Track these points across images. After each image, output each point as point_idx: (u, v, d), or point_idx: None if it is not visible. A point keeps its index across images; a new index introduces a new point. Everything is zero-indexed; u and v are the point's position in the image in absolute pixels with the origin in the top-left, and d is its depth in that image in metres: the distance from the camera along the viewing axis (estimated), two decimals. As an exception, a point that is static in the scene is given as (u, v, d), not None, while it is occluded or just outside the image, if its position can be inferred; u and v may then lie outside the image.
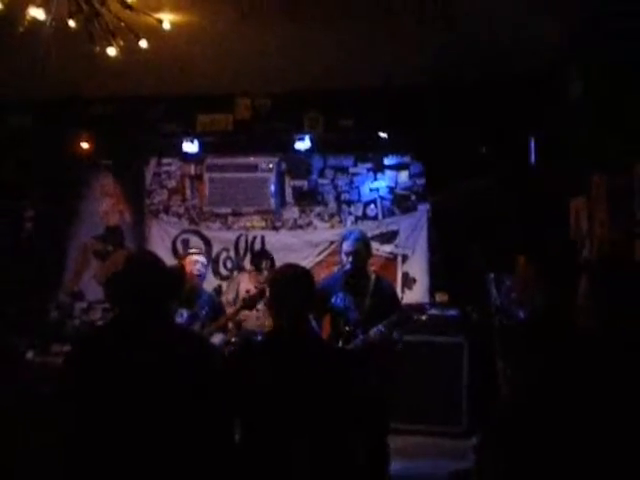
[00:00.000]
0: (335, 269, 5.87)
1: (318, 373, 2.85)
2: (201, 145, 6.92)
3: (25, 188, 7.11)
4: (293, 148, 6.89)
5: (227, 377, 2.88)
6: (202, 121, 6.14)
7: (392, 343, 4.66)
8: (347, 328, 4.69)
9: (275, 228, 7.61)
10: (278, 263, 6.87)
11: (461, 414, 6.38)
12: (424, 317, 4.77)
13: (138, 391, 2.69)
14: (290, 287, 2.96)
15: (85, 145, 6.16)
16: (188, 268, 5.20)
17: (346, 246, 4.77)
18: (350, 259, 4.72)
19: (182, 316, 4.99)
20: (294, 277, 3.02)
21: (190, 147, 6.80)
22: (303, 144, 6.84)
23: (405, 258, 7.30)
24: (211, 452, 2.73)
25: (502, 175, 6.07)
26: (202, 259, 5.43)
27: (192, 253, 5.51)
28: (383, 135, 6.27)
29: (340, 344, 4.64)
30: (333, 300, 4.81)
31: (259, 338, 6.16)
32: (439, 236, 7.10)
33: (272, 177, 7.46)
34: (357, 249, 4.73)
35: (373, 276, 4.92)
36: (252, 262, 7.16)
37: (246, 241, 7.58)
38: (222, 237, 7.63)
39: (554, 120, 6.00)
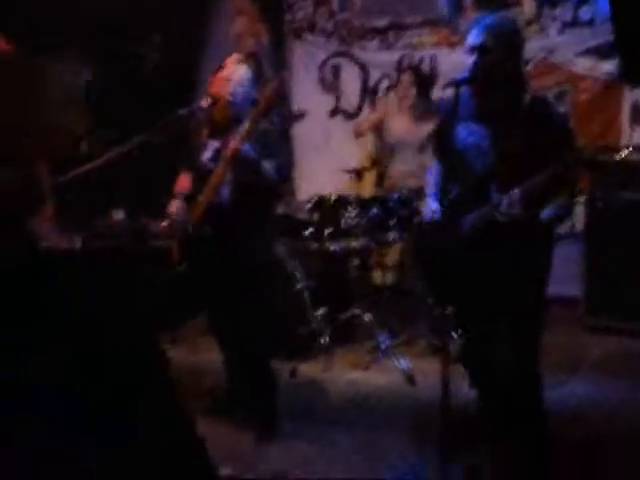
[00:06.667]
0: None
1: None
2: None
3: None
4: None
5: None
6: None
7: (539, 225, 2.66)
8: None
9: (450, 44, 5.63)
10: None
11: None
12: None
13: None
14: None
15: None
16: (215, 88, 3.24)
17: (469, 39, 2.69)
18: (474, 58, 2.69)
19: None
20: None
21: None
22: None
23: (635, 80, 5.06)
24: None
25: None
26: (239, 76, 3.25)
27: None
28: None
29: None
30: (455, 137, 2.84)
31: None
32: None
33: (442, -29, 5.44)
34: (486, 42, 2.62)
35: (527, 96, 2.80)
36: (417, 92, 5.17)
37: (410, 63, 5.72)
38: (381, 60, 5.85)
39: None
